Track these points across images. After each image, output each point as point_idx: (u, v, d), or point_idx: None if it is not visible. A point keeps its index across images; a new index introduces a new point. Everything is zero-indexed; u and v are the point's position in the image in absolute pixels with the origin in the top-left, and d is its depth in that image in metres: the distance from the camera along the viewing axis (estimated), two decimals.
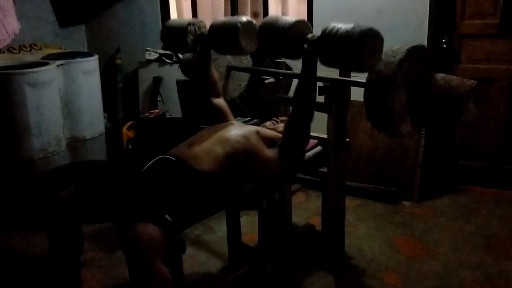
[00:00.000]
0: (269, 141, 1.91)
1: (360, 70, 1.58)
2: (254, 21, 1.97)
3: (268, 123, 2.18)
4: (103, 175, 1.87)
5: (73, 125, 3.13)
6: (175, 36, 2.11)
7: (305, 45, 1.69)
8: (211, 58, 2.16)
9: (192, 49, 2.09)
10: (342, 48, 1.55)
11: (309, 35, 1.71)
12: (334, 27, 1.58)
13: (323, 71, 1.81)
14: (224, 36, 1.98)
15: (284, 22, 1.72)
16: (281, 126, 2.11)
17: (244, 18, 1.94)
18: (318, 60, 1.69)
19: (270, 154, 1.83)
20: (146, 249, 1.42)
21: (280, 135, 1.95)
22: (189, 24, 2.06)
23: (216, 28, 2.01)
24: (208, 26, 2.08)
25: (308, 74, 1.73)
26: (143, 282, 1.43)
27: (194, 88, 2.99)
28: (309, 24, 1.77)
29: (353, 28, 1.53)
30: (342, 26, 1.56)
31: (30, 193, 2.69)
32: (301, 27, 1.72)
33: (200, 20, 2.15)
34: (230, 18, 2.01)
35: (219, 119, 2.12)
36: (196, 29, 2.08)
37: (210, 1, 4.26)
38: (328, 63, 1.67)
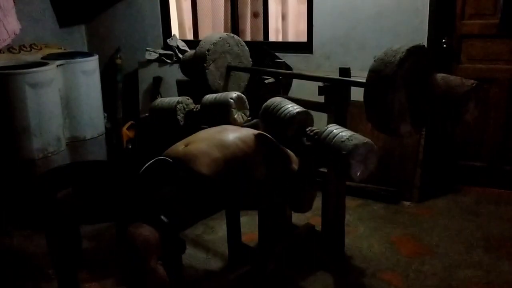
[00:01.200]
0: (266, 144, 1.91)
1: (349, 179, 1.56)
2: (243, 96, 2.08)
3: None
4: (102, 175, 1.88)
5: (73, 125, 3.13)
6: (164, 116, 2.22)
7: (305, 139, 1.69)
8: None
9: (183, 126, 2.19)
10: (333, 156, 1.56)
11: (308, 130, 1.71)
12: (332, 132, 1.57)
13: (323, 71, 1.80)
14: (216, 112, 2.07)
15: (286, 111, 1.76)
16: None
17: (234, 94, 2.05)
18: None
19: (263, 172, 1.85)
20: (141, 250, 1.42)
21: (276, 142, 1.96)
22: (178, 103, 2.19)
23: (208, 105, 2.10)
24: (192, 101, 2.20)
25: (305, 168, 1.75)
26: (139, 282, 1.43)
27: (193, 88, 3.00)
28: (311, 116, 1.78)
29: (348, 139, 1.52)
30: (340, 132, 1.55)
31: (30, 193, 2.69)
32: (302, 118, 1.74)
33: (186, 97, 2.26)
34: (220, 95, 2.10)
35: None
36: (185, 106, 2.22)
37: (210, 1, 4.26)
38: (320, 163, 1.69)
